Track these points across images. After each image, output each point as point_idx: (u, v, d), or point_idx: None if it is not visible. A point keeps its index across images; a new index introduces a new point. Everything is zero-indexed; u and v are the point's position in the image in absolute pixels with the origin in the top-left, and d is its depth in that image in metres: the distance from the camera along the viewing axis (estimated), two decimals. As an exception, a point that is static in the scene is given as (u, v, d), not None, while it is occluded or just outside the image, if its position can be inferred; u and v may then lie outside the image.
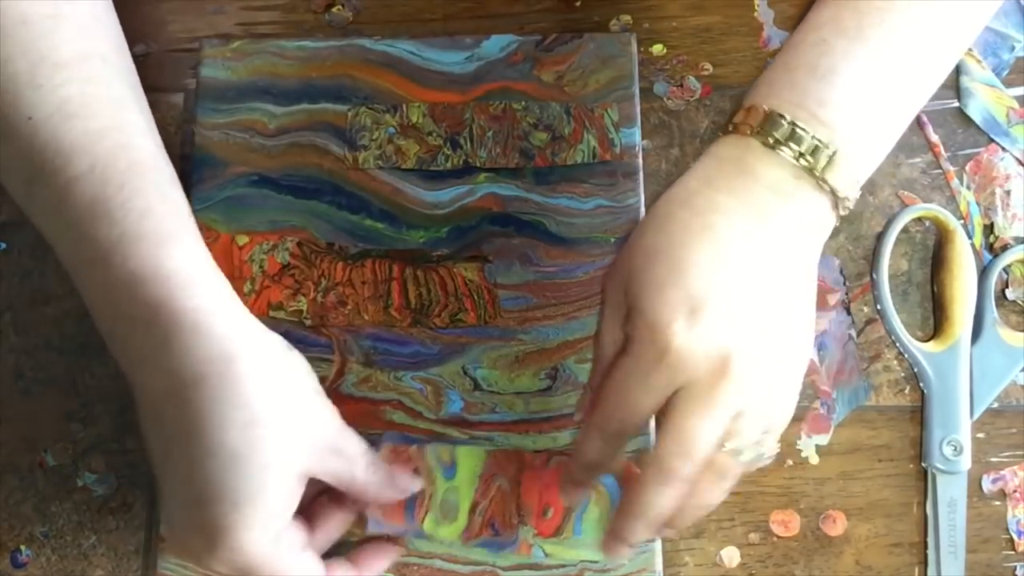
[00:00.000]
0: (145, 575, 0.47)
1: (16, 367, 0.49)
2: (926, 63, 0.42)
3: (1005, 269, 0.50)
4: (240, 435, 0.37)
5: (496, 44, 0.52)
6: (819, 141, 0.39)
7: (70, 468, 0.48)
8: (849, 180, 0.40)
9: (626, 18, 0.54)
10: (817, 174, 0.39)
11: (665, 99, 0.52)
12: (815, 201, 0.40)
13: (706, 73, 0.53)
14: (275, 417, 0.38)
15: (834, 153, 0.39)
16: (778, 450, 0.40)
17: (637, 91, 0.51)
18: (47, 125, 0.38)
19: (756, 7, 0.54)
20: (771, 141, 0.39)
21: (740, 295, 0.38)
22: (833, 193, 0.39)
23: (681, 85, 0.53)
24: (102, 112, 0.39)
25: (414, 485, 0.44)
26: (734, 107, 0.43)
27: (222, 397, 0.37)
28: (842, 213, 0.40)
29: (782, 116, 0.40)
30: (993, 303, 0.49)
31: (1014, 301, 0.50)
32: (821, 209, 0.40)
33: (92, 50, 0.40)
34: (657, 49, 0.53)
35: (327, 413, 0.40)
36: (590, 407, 0.41)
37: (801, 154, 0.39)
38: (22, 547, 0.48)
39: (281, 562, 0.38)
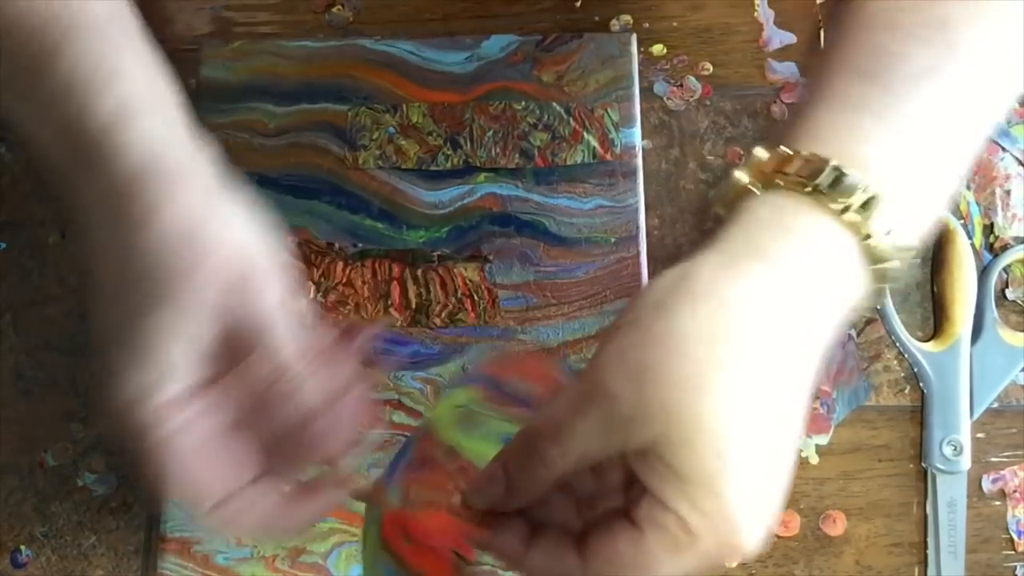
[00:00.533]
0: (145, 575, 0.47)
1: (16, 367, 0.49)
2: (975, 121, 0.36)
3: (1005, 269, 0.50)
4: (171, 247, 0.34)
5: (496, 44, 0.52)
6: (865, 188, 0.32)
7: (70, 468, 0.48)
8: (908, 236, 0.34)
9: (626, 18, 0.54)
10: (866, 235, 0.33)
11: (665, 99, 0.52)
12: (856, 268, 0.33)
13: (706, 73, 0.53)
14: (191, 250, 0.34)
15: (876, 198, 0.32)
16: None
17: (637, 91, 0.51)
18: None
19: (756, 7, 0.54)
20: (828, 200, 0.32)
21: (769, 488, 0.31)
22: (872, 247, 0.33)
23: (681, 85, 0.53)
24: None
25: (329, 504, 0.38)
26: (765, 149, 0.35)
27: (161, 201, 0.35)
28: (886, 284, 0.34)
29: (841, 169, 0.32)
30: (993, 303, 0.49)
31: (1014, 301, 0.50)
32: (858, 276, 0.33)
33: None
34: (657, 49, 0.53)
35: (275, 259, 0.37)
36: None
37: (856, 209, 0.32)
38: (22, 547, 0.48)
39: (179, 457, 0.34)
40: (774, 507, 0.32)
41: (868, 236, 0.33)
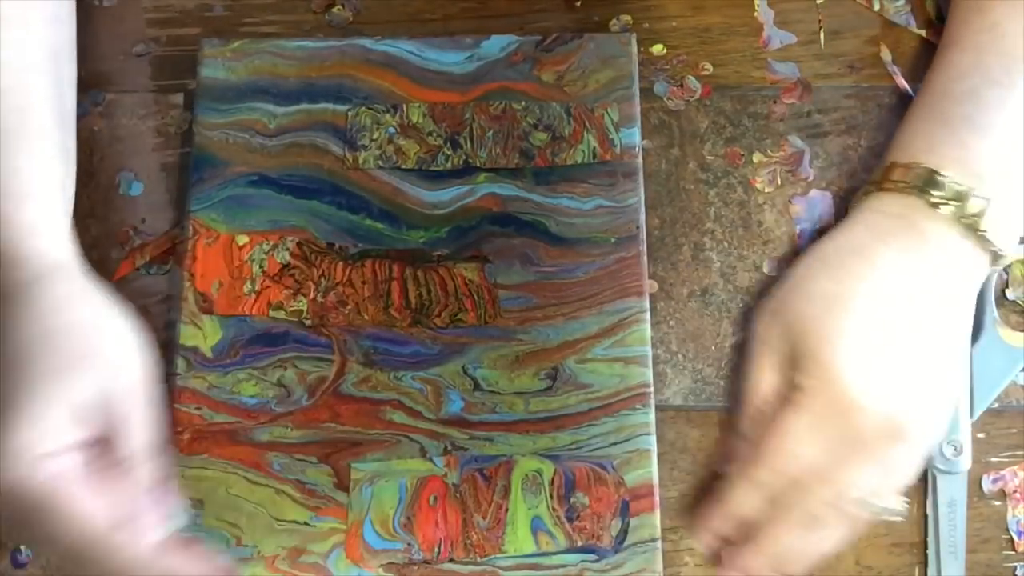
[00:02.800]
0: (145, 575, 0.47)
1: (16, 367, 0.49)
2: None
3: (1005, 269, 0.50)
4: (46, 337, 0.38)
5: (496, 44, 0.52)
6: (982, 199, 0.41)
7: (70, 468, 0.48)
8: (1010, 235, 0.42)
9: (626, 18, 0.54)
10: (981, 232, 0.41)
11: (665, 99, 0.52)
12: (977, 257, 0.42)
13: (706, 73, 0.53)
14: (82, 335, 0.39)
15: (996, 210, 0.41)
16: (906, 507, 0.43)
17: (637, 91, 0.51)
18: None
19: (756, 7, 0.54)
20: (935, 200, 0.41)
21: (916, 354, 0.40)
22: (994, 250, 0.42)
23: (681, 85, 0.53)
24: (7, 76, 0.41)
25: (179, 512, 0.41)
26: (885, 162, 0.45)
27: (42, 298, 0.39)
28: (1000, 266, 0.43)
29: (942, 175, 0.41)
30: (993, 303, 0.49)
31: (1014, 301, 0.50)
32: (981, 263, 0.42)
33: (14, 16, 0.42)
34: (657, 49, 0.53)
35: (142, 371, 0.40)
36: (745, 457, 0.42)
37: (965, 214, 0.41)
38: (22, 547, 0.47)
39: (55, 475, 0.37)
40: (905, 385, 0.40)
41: (977, 227, 0.41)
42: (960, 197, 0.41)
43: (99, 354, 0.39)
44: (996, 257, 0.42)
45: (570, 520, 0.46)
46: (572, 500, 0.46)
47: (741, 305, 0.50)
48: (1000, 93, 0.42)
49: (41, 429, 0.37)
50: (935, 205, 0.41)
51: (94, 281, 0.41)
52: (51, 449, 0.37)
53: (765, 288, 0.49)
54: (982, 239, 0.41)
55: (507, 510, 0.46)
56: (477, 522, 0.46)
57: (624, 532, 0.45)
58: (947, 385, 0.42)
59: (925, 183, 0.42)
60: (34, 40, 0.43)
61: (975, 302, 0.43)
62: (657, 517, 0.46)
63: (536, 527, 0.46)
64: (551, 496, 0.46)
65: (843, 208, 0.50)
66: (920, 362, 0.40)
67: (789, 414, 0.40)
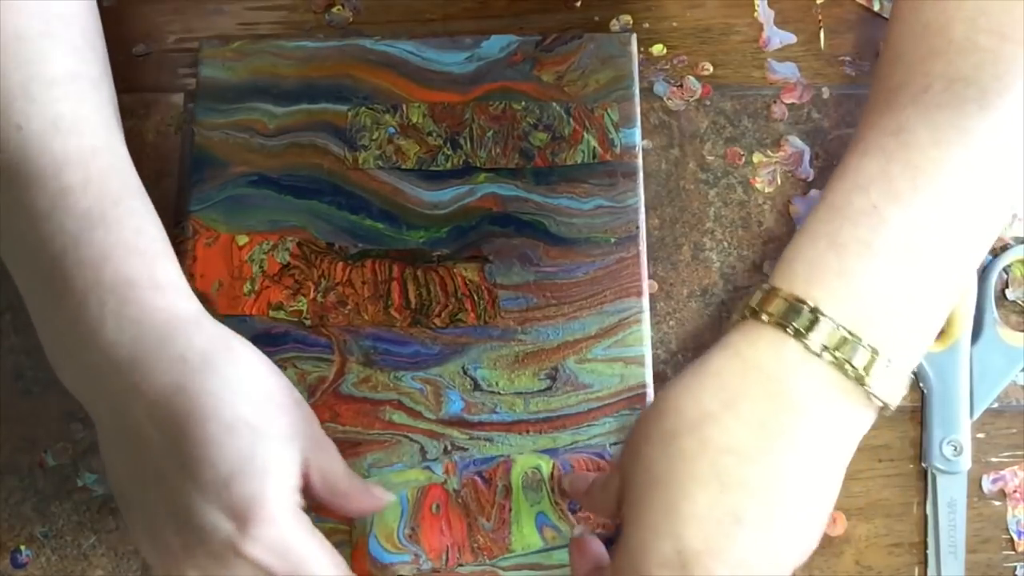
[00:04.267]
0: (145, 575, 0.47)
1: (16, 367, 0.49)
2: (982, 218, 0.38)
3: (1005, 269, 0.50)
4: (256, 409, 0.37)
5: (496, 44, 0.52)
6: (869, 349, 0.35)
7: (70, 468, 0.48)
8: (898, 387, 0.36)
9: (626, 18, 0.54)
10: (867, 386, 0.35)
11: (665, 99, 0.52)
12: (858, 412, 0.36)
13: (706, 73, 0.53)
14: (279, 396, 0.39)
15: (888, 361, 0.35)
16: None
17: (637, 91, 0.51)
18: (40, 137, 0.39)
19: (756, 7, 0.54)
20: (815, 349, 0.35)
21: (741, 549, 0.34)
22: (880, 404, 0.36)
23: (681, 85, 0.53)
24: (95, 132, 0.40)
25: (387, 496, 0.43)
26: (758, 285, 0.39)
27: (234, 375, 0.38)
28: (886, 414, 0.37)
29: (826, 316, 0.35)
30: (993, 303, 0.49)
31: (1014, 301, 0.50)
32: (862, 418, 0.36)
33: (84, 71, 0.41)
34: (657, 49, 0.53)
35: (307, 408, 0.41)
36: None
37: (850, 367, 0.35)
38: (22, 547, 0.48)
39: (307, 536, 0.38)
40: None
41: (855, 374, 0.35)
42: (845, 346, 0.35)
43: (297, 406, 0.39)
44: (880, 410, 0.37)
45: (573, 511, 0.46)
46: None
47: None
48: (901, 214, 0.36)
49: (293, 497, 0.37)
50: (815, 353, 0.35)
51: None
52: (298, 503, 0.38)
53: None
54: (866, 394, 0.35)
55: (510, 509, 0.46)
56: (482, 524, 0.46)
57: None
58: (777, 565, 0.35)
59: (805, 325, 0.35)
60: (102, 95, 0.42)
61: (850, 453, 0.37)
62: (657, 517, 0.46)
63: (541, 523, 0.46)
64: (552, 490, 0.46)
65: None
66: (747, 553, 0.35)
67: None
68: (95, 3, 0.44)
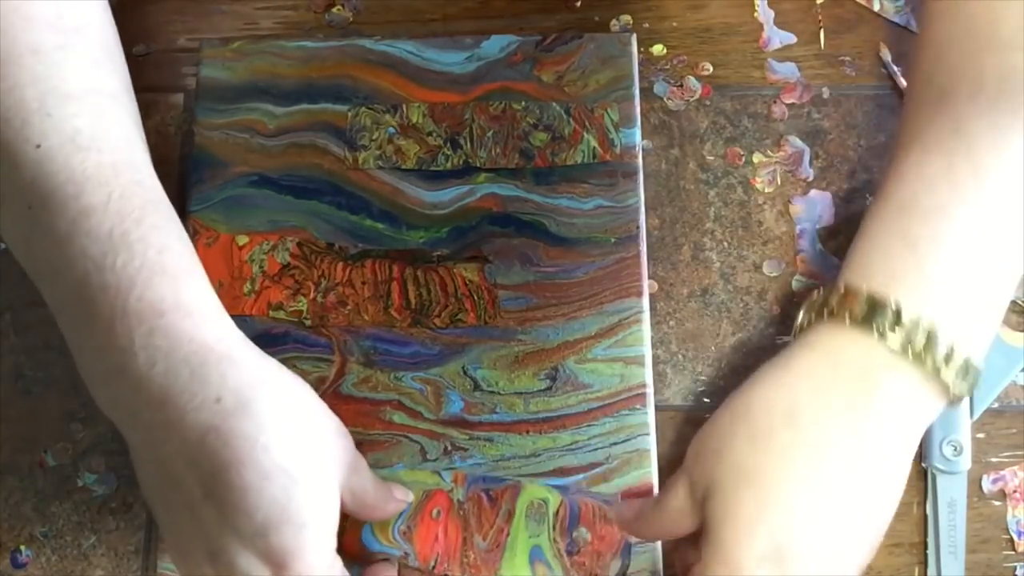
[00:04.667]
0: (145, 575, 0.47)
1: (16, 367, 0.49)
2: None
3: (1005, 269, 0.50)
4: (293, 453, 0.36)
5: (496, 44, 0.52)
6: (948, 343, 0.37)
7: (70, 468, 0.48)
8: (972, 378, 0.38)
9: (626, 18, 0.54)
10: (944, 379, 0.37)
11: (665, 99, 0.52)
12: (932, 402, 0.38)
13: (706, 73, 0.53)
14: (317, 432, 0.38)
15: (964, 354, 0.37)
16: None
17: (637, 91, 0.51)
18: (59, 154, 0.37)
19: (756, 7, 0.54)
20: (897, 345, 0.37)
21: (834, 543, 0.36)
22: (955, 395, 0.37)
23: (681, 85, 0.53)
24: (115, 147, 0.39)
25: (408, 495, 0.45)
26: (838, 281, 0.40)
27: (270, 417, 0.36)
28: (955, 407, 0.39)
29: (908, 314, 0.37)
30: (993, 303, 0.49)
31: (1014, 301, 0.50)
32: (935, 407, 0.38)
33: (102, 85, 0.40)
34: (657, 49, 0.53)
35: (344, 431, 0.40)
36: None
37: (930, 360, 0.37)
38: (22, 547, 0.48)
39: None
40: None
41: (934, 368, 0.37)
42: (926, 342, 0.37)
43: (336, 436, 0.39)
44: (954, 401, 0.38)
45: (570, 554, 0.45)
46: (574, 534, 0.46)
47: (741, 305, 0.50)
48: (967, 211, 0.38)
49: (330, 543, 0.38)
50: (899, 350, 0.37)
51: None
52: (334, 548, 0.38)
53: (774, 293, 0.49)
54: (943, 387, 0.37)
55: (508, 535, 0.46)
56: (477, 543, 0.46)
57: (623, 573, 0.45)
58: (862, 554, 0.37)
59: (889, 323, 0.37)
60: (121, 107, 0.41)
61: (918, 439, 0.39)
62: (657, 517, 0.46)
63: (535, 556, 0.45)
64: (554, 527, 0.46)
65: (841, 210, 0.50)
66: (840, 545, 0.36)
67: None
68: (110, 11, 0.43)
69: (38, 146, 0.37)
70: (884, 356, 0.37)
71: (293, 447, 0.36)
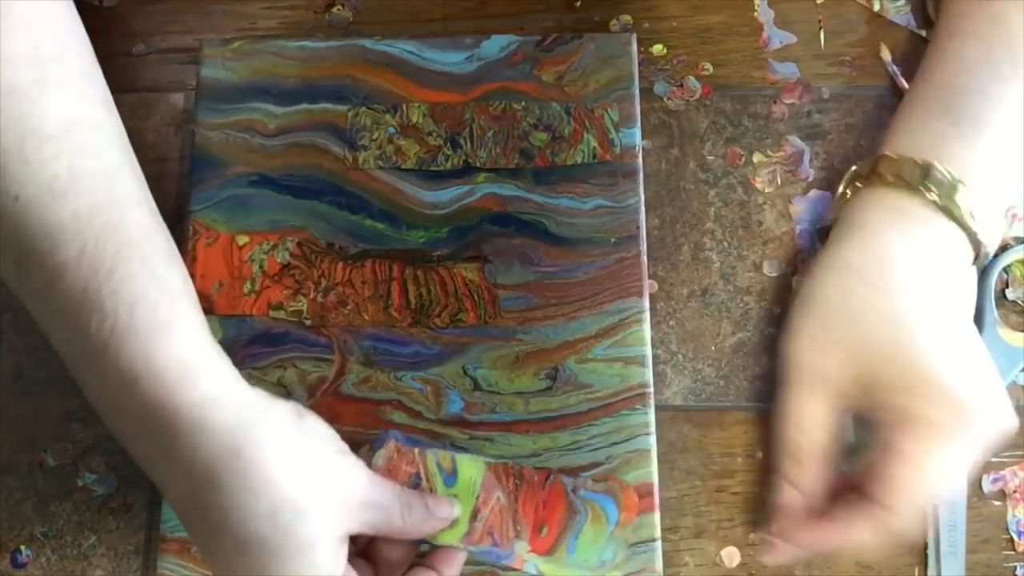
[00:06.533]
0: (145, 575, 0.47)
1: (16, 367, 0.49)
2: None
3: (1005, 269, 0.50)
4: (268, 524, 0.36)
5: (496, 44, 0.52)
6: (972, 195, 0.42)
7: (70, 468, 0.48)
8: (995, 233, 0.44)
9: (626, 18, 0.54)
10: (969, 227, 0.42)
11: (665, 99, 0.52)
12: (967, 249, 0.43)
13: (706, 73, 0.53)
14: (300, 495, 0.37)
15: (985, 209, 0.42)
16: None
17: (637, 91, 0.51)
18: (36, 205, 0.36)
19: (756, 7, 0.54)
20: (930, 197, 0.42)
21: (974, 346, 0.43)
22: (980, 244, 0.43)
23: (681, 85, 0.53)
24: (93, 187, 0.37)
25: (455, 510, 0.43)
26: (878, 156, 0.45)
27: (239, 491, 0.36)
28: (978, 266, 0.44)
29: (940, 169, 0.42)
30: (993, 303, 0.49)
31: (1014, 301, 0.50)
32: (969, 256, 0.44)
33: (82, 117, 0.38)
34: (657, 49, 0.53)
35: (353, 470, 0.39)
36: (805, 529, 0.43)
37: (956, 208, 0.42)
38: (22, 547, 0.48)
39: None
40: (982, 373, 0.42)
41: (964, 222, 0.42)
42: (952, 191, 0.42)
43: (330, 481, 0.38)
44: (979, 254, 0.43)
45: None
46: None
47: (741, 305, 0.50)
48: (1004, 91, 0.43)
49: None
50: (929, 201, 0.42)
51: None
52: None
53: (774, 293, 0.49)
54: (971, 233, 0.42)
55: (566, 545, 0.45)
56: (540, 527, 0.45)
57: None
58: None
59: (922, 178, 0.42)
60: (103, 137, 0.39)
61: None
62: (657, 517, 0.46)
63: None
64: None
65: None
66: (979, 351, 0.42)
67: (920, 449, 0.41)
68: (84, 31, 0.40)
69: (16, 198, 0.36)
70: (921, 204, 0.42)
71: (266, 515, 0.36)
